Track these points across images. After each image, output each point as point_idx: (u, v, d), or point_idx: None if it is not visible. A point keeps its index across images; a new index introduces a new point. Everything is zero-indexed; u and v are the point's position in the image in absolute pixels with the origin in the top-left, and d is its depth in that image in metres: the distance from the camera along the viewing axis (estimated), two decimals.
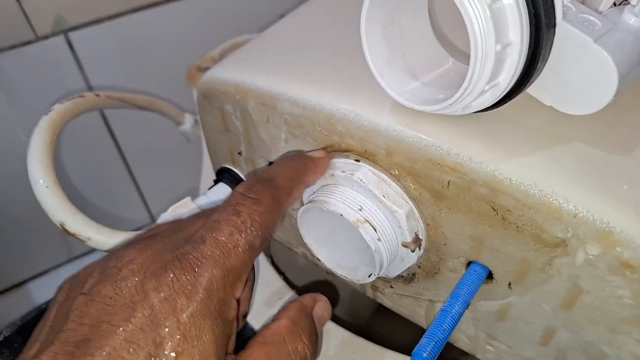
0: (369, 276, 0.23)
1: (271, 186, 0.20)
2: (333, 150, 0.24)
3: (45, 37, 0.57)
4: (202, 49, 0.58)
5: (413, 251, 0.23)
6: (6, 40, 0.55)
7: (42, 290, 0.73)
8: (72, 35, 0.58)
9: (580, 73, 0.17)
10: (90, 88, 0.63)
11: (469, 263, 0.22)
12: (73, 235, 0.27)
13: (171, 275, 0.17)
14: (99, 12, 0.58)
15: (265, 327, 0.20)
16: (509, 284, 0.21)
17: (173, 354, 0.16)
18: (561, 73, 0.18)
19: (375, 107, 0.22)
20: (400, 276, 0.26)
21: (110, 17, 0.59)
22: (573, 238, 0.18)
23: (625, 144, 0.19)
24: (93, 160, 0.68)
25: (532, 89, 0.19)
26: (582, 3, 0.19)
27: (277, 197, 0.20)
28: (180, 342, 0.16)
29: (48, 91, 0.59)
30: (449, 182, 0.20)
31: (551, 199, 0.18)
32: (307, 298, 0.22)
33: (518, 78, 0.17)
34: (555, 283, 0.19)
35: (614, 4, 0.20)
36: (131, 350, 0.16)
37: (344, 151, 0.23)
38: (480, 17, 0.15)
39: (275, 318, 0.20)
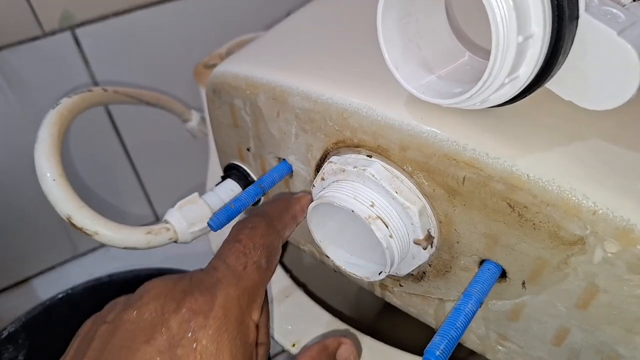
0: (379, 274, 0.23)
1: (264, 215, 0.23)
2: (345, 146, 0.23)
3: (53, 33, 0.57)
4: (209, 46, 0.58)
5: (425, 249, 0.22)
6: (14, 36, 0.55)
7: (46, 287, 0.73)
8: (79, 32, 0.58)
9: (602, 67, 0.17)
10: (96, 84, 0.63)
11: (482, 261, 0.22)
12: (80, 229, 0.27)
13: (189, 298, 0.18)
14: (106, 9, 0.58)
15: None
16: (523, 283, 0.21)
17: None
18: (582, 67, 0.18)
19: (389, 101, 0.21)
20: (410, 274, 0.25)
21: (117, 14, 0.59)
22: (591, 235, 0.17)
23: None
24: (97, 157, 0.68)
25: (551, 84, 0.19)
26: None
27: (270, 222, 0.23)
28: None
29: (54, 87, 0.59)
30: (464, 178, 0.20)
31: (570, 196, 0.17)
32: (331, 340, 0.23)
33: (538, 71, 0.17)
34: (571, 282, 0.19)
35: None
36: None
37: (356, 146, 0.23)
38: (503, 7, 0.15)
39: (296, 358, 0.21)
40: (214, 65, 0.55)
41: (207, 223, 0.25)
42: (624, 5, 0.18)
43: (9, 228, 0.66)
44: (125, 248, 0.28)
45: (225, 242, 0.21)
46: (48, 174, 0.27)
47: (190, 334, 0.17)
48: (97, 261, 0.74)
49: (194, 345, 0.16)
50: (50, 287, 0.71)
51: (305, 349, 0.22)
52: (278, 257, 0.23)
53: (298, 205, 0.25)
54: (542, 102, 0.20)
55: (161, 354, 0.16)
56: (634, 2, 0.18)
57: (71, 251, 0.74)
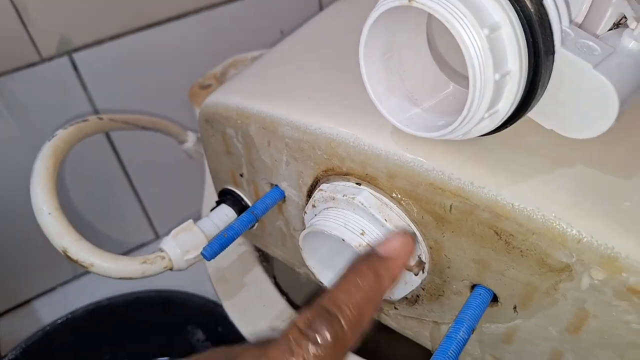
0: None
1: (335, 322, 0.17)
2: (334, 174, 0.24)
3: (50, 59, 0.57)
4: (206, 66, 0.58)
5: (416, 274, 0.23)
6: (12, 63, 0.55)
7: (47, 309, 0.73)
8: (76, 56, 0.59)
9: (581, 98, 0.17)
10: (94, 108, 0.63)
11: (474, 286, 0.22)
12: (76, 261, 0.27)
13: None
14: (101, 33, 0.59)
15: None
16: (515, 307, 0.21)
17: None
18: (561, 98, 0.18)
19: (376, 131, 0.22)
20: (404, 298, 0.25)
21: (113, 38, 0.60)
22: (577, 263, 0.17)
23: (629, 166, 0.19)
24: (97, 178, 0.68)
25: (532, 114, 0.19)
26: (580, 27, 0.20)
27: (341, 338, 0.17)
28: None
29: (53, 112, 0.60)
30: (451, 206, 0.20)
31: (554, 224, 0.18)
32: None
33: (517, 105, 0.17)
34: (561, 307, 0.19)
35: (614, 25, 0.20)
36: None
37: (345, 174, 0.23)
38: (479, 48, 0.15)
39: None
40: (209, 86, 0.56)
41: (201, 253, 0.25)
42: (598, 36, 0.18)
43: (8, 251, 0.67)
44: (121, 278, 0.28)
45: (277, 344, 0.17)
46: (44, 208, 0.27)
47: None
48: (97, 281, 0.74)
49: None
50: (52, 308, 0.71)
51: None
52: None
53: (388, 285, 0.19)
54: (526, 130, 0.20)
55: None
56: (610, 33, 0.19)
57: (71, 272, 0.74)
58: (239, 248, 0.37)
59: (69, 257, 0.27)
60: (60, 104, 0.60)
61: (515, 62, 0.16)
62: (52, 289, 0.74)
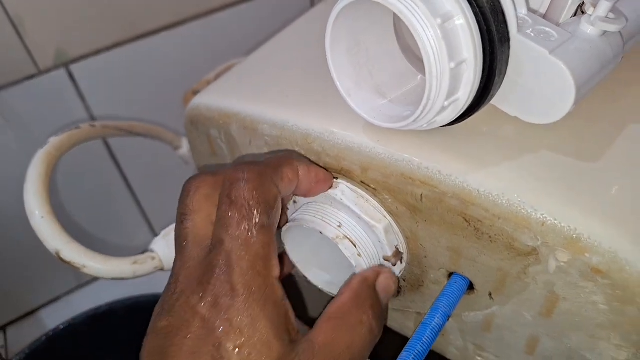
0: None
1: (257, 163, 0.21)
2: None
3: (48, 71, 0.59)
4: (202, 73, 0.59)
5: (394, 265, 0.23)
6: (10, 76, 0.57)
7: (53, 317, 0.74)
8: (73, 67, 0.60)
9: (540, 84, 0.18)
10: (92, 118, 0.65)
11: (451, 274, 0.22)
12: (68, 263, 0.28)
13: (208, 284, 0.18)
14: (98, 44, 0.60)
15: (330, 303, 0.20)
16: (490, 294, 0.21)
17: (235, 350, 0.17)
18: (522, 85, 0.18)
19: (349, 125, 0.22)
20: None
21: (109, 48, 0.61)
22: (543, 246, 0.18)
23: (592, 151, 0.20)
24: (97, 187, 0.69)
25: (496, 101, 0.20)
26: (544, 16, 0.20)
27: (262, 172, 0.20)
28: (237, 337, 0.17)
29: (52, 123, 0.61)
30: (421, 195, 0.20)
31: (519, 208, 0.18)
32: (369, 271, 0.22)
33: (477, 93, 0.17)
34: (533, 291, 0.19)
35: (581, 11, 0.20)
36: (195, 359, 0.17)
37: None
38: (432, 37, 0.16)
39: (339, 293, 0.21)
40: None
41: None
42: (558, 24, 0.19)
43: (13, 260, 0.68)
44: (113, 279, 0.29)
45: (221, 202, 0.19)
46: (37, 212, 0.28)
47: (221, 315, 0.17)
48: (101, 289, 0.75)
49: (230, 324, 0.17)
50: (57, 317, 0.72)
51: (346, 283, 0.21)
52: (279, 205, 0.20)
53: (298, 164, 0.22)
54: (492, 118, 0.21)
55: (202, 340, 0.17)
56: (570, 20, 0.19)
57: (75, 281, 0.75)
58: None
59: (61, 259, 0.28)
60: (59, 115, 0.61)
61: (470, 51, 0.16)
62: (57, 299, 0.75)
